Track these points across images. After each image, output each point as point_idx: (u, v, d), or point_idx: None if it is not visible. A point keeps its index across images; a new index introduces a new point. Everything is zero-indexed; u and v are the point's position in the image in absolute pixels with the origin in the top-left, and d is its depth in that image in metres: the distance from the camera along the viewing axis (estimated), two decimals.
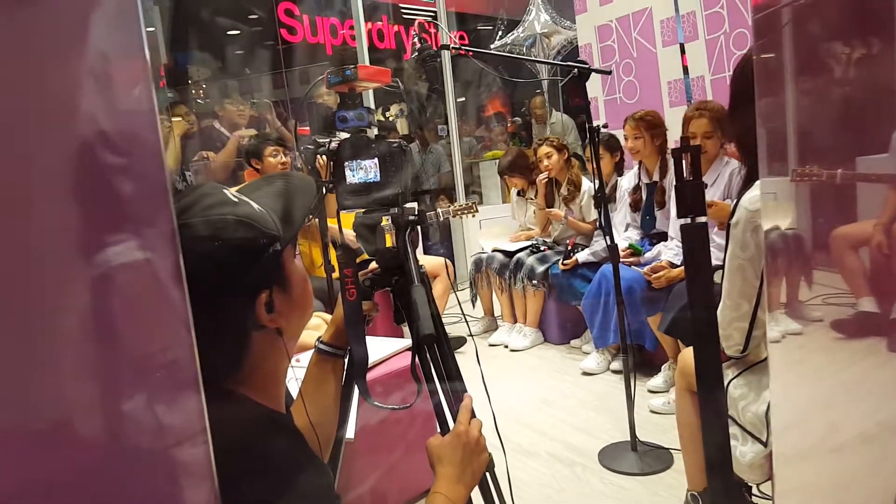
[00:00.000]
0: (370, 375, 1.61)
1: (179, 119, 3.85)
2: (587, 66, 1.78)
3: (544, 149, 3.24)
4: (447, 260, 2.96)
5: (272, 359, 0.70)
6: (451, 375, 1.02)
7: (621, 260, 2.56)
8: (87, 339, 0.41)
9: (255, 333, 0.67)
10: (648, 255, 2.71)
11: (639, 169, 2.80)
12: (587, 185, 3.22)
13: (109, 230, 0.41)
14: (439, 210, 3.26)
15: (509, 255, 3.45)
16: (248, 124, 4.02)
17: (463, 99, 5.78)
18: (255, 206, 0.67)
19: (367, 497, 1.64)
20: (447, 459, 0.84)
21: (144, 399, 0.43)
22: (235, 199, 0.66)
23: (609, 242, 1.96)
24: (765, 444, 1.16)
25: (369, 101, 4.20)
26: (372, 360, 1.62)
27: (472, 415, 0.92)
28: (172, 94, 4.22)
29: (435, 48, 1.86)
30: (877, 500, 0.60)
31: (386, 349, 1.79)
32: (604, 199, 1.93)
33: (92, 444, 0.41)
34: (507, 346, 3.30)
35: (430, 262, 3.18)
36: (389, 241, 1.04)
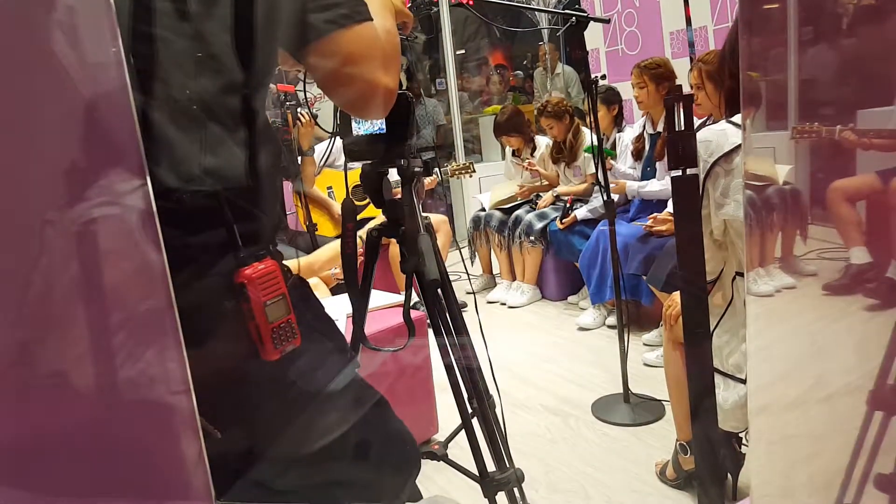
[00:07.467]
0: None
1: None
2: (585, 14, 1.72)
3: (544, 121, 3.18)
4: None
5: None
6: (458, 325, 1.05)
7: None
8: (65, 291, 0.41)
9: None
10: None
11: (645, 119, 2.77)
12: (587, 139, 3.18)
13: (82, 184, 0.41)
14: (436, 170, 3.18)
15: (508, 212, 3.43)
16: None
17: (462, 51, 5.61)
18: None
19: None
20: None
21: (125, 349, 0.43)
22: None
23: (605, 198, 1.94)
24: (744, 382, 1.20)
25: None
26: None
27: None
28: None
29: None
30: (850, 448, 0.61)
31: (380, 301, 1.83)
32: (601, 154, 1.90)
33: (72, 394, 0.41)
34: (504, 304, 3.33)
35: (431, 219, 3.16)
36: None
